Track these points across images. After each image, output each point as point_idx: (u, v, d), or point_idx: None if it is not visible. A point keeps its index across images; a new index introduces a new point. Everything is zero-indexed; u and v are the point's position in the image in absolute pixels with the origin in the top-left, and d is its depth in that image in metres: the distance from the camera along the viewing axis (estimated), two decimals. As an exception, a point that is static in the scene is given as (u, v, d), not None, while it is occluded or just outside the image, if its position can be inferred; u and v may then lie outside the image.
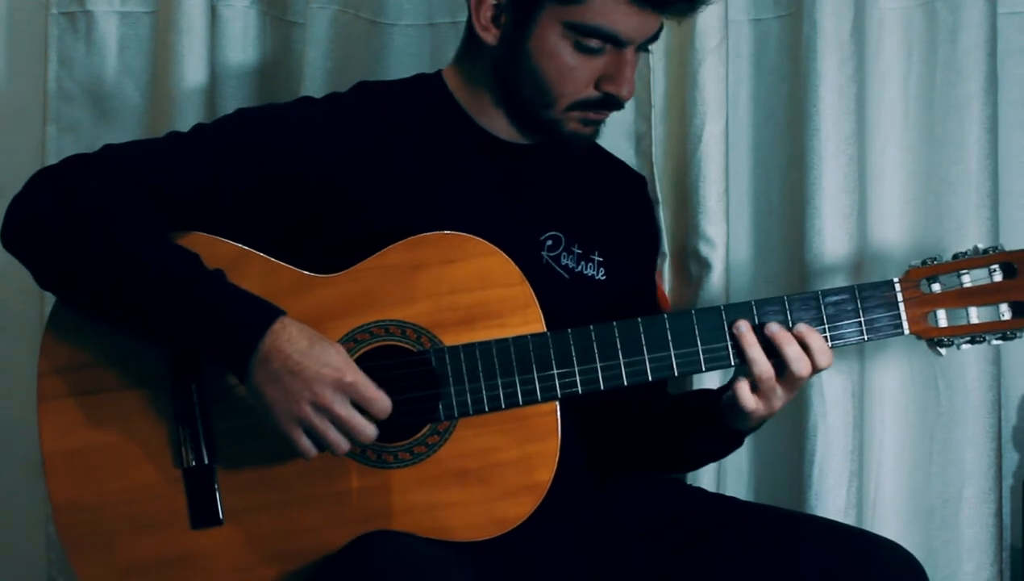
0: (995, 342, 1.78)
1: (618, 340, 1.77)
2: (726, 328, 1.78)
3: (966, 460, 2.30)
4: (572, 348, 1.76)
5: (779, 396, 1.78)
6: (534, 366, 1.76)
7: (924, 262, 1.79)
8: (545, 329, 1.77)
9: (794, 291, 2.21)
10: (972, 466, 2.29)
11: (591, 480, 1.92)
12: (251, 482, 1.77)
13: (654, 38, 1.87)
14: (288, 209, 1.86)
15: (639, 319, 1.78)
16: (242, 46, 2.44)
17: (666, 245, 2.33)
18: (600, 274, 1.96)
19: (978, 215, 2.27)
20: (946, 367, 2.28)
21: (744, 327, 1.77)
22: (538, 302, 1.78)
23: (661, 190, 2.34)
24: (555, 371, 1.76)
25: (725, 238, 2.28)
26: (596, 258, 1.96)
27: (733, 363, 1.78)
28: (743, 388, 1.77)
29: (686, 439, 1.94)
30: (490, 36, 1.88)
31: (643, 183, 2.14)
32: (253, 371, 1.68)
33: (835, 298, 1.78)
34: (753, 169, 2.38)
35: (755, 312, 1.78)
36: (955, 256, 1.79)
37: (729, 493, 2.29)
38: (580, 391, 1.77)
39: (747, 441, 1.94)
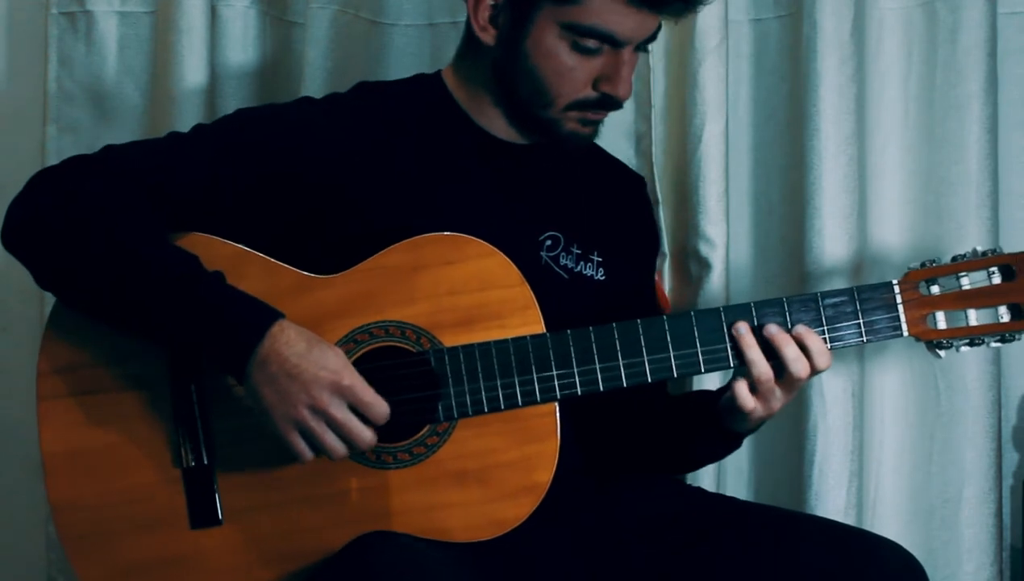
0: (994, 344, 1.78)
1: (617, 341, 1.77)
2: (725, 329, 1.77)
3: (966, 460, 2.30)
4: (571, 349, 1.76)
5: (778, 397, 1.78)
6: (533, 367, 1.76)
7: (923, 264, 1.79)
8: (544, 330, 1.77)
9: (794, 291, 2.23)
10: (972, 466, 2.29)
11: (590, 481, 1.92)
12: (250, 482, 1.77)
13: (652, 38, 1.87)
14: (288, 209, 1.86)
15: (638, 321, 1.78)
16: (242, 46, 2.43)
17: (666, 245, 2.33)
18: (599, 274, 1.96)
19: (978, 215, 2.26)
20: (946, 367, 2.28)
21: (743, 328, 1.77)
22: (537, 302, 1.78)
23: (661, 190, 2.34)
24: (554, 372, 1.76)
25: (725, 238, 2.28)
26: (595, 258, 1.96)
27: (732, 364, 1.78)
28: (742, 388, 1.77)
29: (685, 440, 1.94)
30: (488, 36, 1.88)
31: (642, 184, 2.14)
32: (251, 373, 1.69)
33: (834, 300, 1.78)
34: (753, 169, 2.38)
35: (754, 314, 1.78)
36: (954, 258, 1.79)
37: (729, 493, 2.28)
38: (579, 392, 1.76)
39: (747, 441, 1.94)
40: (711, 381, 2.15)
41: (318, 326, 1.74)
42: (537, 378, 1.76)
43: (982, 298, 1.78)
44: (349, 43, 2.37)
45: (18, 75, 2.58)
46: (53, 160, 2.35)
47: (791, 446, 2.31)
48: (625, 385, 1.77)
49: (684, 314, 1.78)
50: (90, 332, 1.79)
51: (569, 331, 1.77)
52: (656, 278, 2.19)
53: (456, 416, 1.76)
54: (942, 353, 1.79)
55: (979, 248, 1.79)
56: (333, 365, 1.69)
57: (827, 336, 1.77)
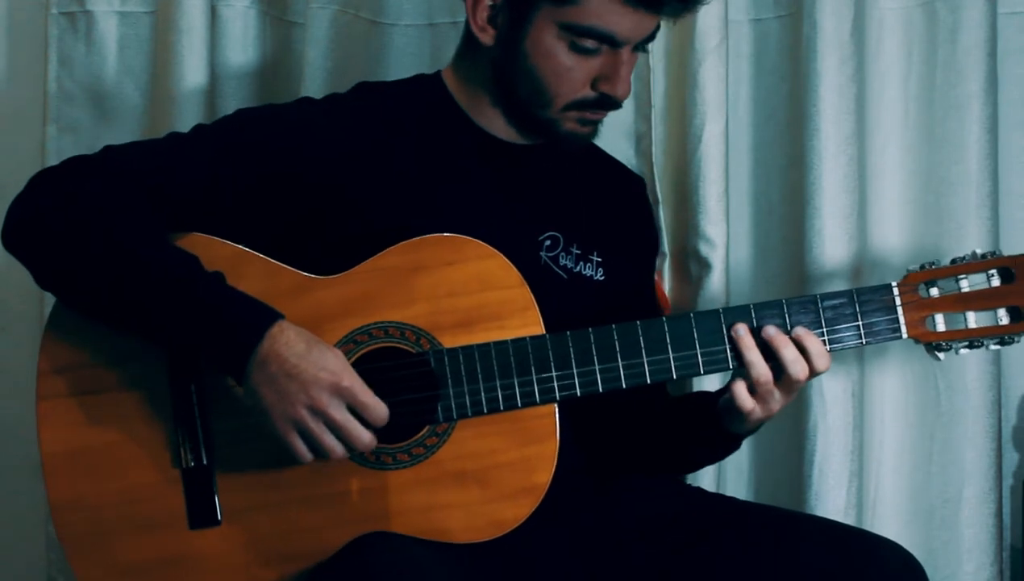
0: (993, 347, 1.78)
1: (617, 343, 1.77)
2: (724, 331, 1.77)
3: (966, 460, 2.30)
4: (571, 350, 1.76)
5: (777, 399, 1.78)
6: (533, 368, 1.76)
7: (922, 266, 1.80)
8: (544, 332, 1.77)
9: (794, 291, 2.23)
10: (972, 466, 2.29)
11: (590, 482, 1.92)
12: (249, 483, 1.77)
13: (650, 38, 1.87)
14: (288, 209, 1.86)
15: (638, 322, 1.78)
16: (242, 46, 2.43)
17: (666, 245, 2.33)
18: (599, 274, 1.96)
19: (978, 215, 2.26)
20: (946, 367, 2.28)
21: (742, 330, 1.77)
22: (537, 302, 1.78)
23: (661, 190, 2.34)
24: (554, 373, 1.76)
25: (725, 238, 2.28)
26: (595, 258, 1.96)
27: (731, 366, 1.78)
28: (740, 389, 1.77)
29: (684, 441, 1.94)
30: (487, 37, 1.88)
31: (642, 185, 2.14)
32: (251, 374, 1.69)
33: (833, 302, 1.78)
34: (753, 169, 2.38)
35: (753, 315, 1.78)
36: (953, 261, 1.79)
37: (729, 493, 2.29)
38: (579, 393, 1.76)
39: (747, 441, 1.94)
40: (711, 383, 2.15)
41: (317, 327, 1.74)
42: (536, 379, 1.76)
43: (981, 300, 1.78)
44: (349, 43, 2.37)
45: (18, 75, 2.58)
46: (53, 160, 2.36)
47: (791, 446, 2.31)
48: (624, 386, 1.77)
49: (683, 315, 1.78)
50: (90, 332, 1.79)
51: (568, 332, 1.77)
52: (656, 278, 2.19)
53: (455, 417, 1.76)
54: (941, 355, 1.80)
55: (978, 251, 1.79)
56: (332, 366, 1.69)
57: (826, 338, 1.77)
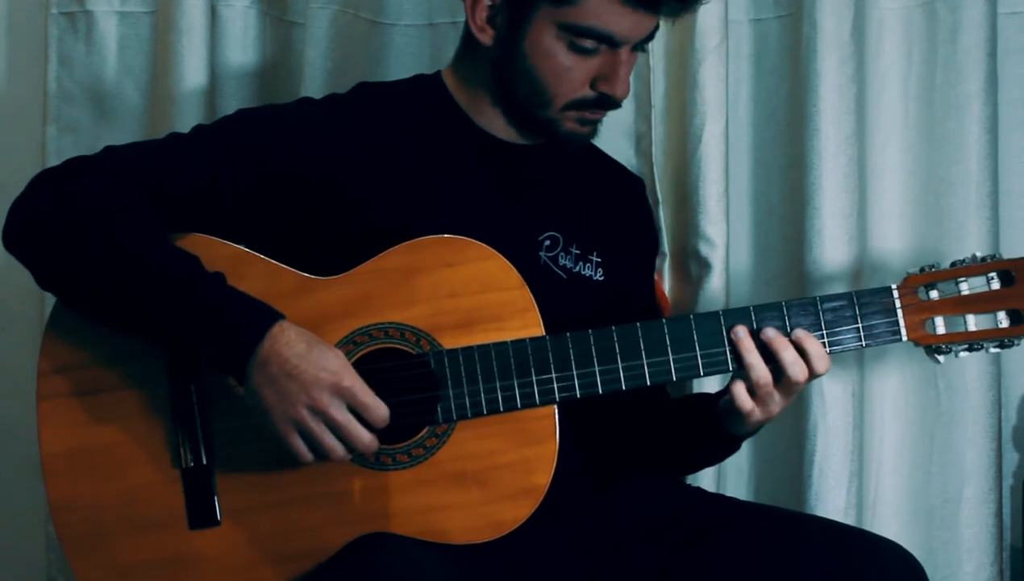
0: (993, 350, 1.78)
1: (616, 344, 1.77)
2: (724, 333, 1.77)
3: (966, 460, 2.30)
4: (570, 352, 1.76)
5: (776, 401, 1.78)
6: (532, 370, 1.76)
7: (922, 269, 1.79)
8: (544, 333, 1.77)
9: (794, 290, 2.23)
10: (972, 466, 2.30)
11: (589, 483, 1.92)
12: (249, 483, 1.77)
13: (649, 38, 1.87)
14: (288, 209, 1.86)
15: (638, 324, 1.78)
16: (242, 46, 2.43)
17: (666, 245, 2.34)
18: (598, 274, 1.96)
19: (978, 215, 2.26)
20: (946, 367, 2.26)
21: (742, 332, 1.77)
22: (536, 302, 1.78)
23: (661, 190, 2.34)
24: (553, 375, 1.76)
25: (725, 238, 2.28)
26: (594, 258, 1.96)
27: (731, 368, 1.78)
28: (740, 390, 1.77)
29: (684, 443, 1.94)
30: (486, 37, 1.88)
31: (642, 186, 2.15)
32: (251, 374, 1.69)
33: (833, 304, 1.78)
34: (753, 169, 2.38)
35: (753, 317, 1.78)
36: (953, 264, 1.79)
37: (729, 493, 2.29)
38: (578, 395, 1.76)
39: (747, 441, 1.93)
40: (711, 384, 2.15)
41: (318, 327, 1.74)
42: (536, 381, 1.76)
43: (981, 303, 1.78)
44: (349, 43, 2.37)
45: (18, 75, 2.58)
46: (53, 160, 2.36)
47: (791, 446, 2.31)
48: (624, 388, 1.77)
49: (683, 317, 1.78)
50: (90, 332, 1.79)
51: (568, 334, 1.77)
52: (656, 278, 2.19)
53: (455, 418, 1.76)
54: (941, 358, 1.80)
55: (978, 254, 1.79)
56: (333, 366, 1.69)
57: (826, 340, 1.77)
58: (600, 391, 1.77)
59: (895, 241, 2.33)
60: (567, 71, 1.84)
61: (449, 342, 1.77)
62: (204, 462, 1.77)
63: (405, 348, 1.77)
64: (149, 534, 1.78)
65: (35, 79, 2.48)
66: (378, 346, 1.78)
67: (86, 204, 1.77)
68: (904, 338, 1.78)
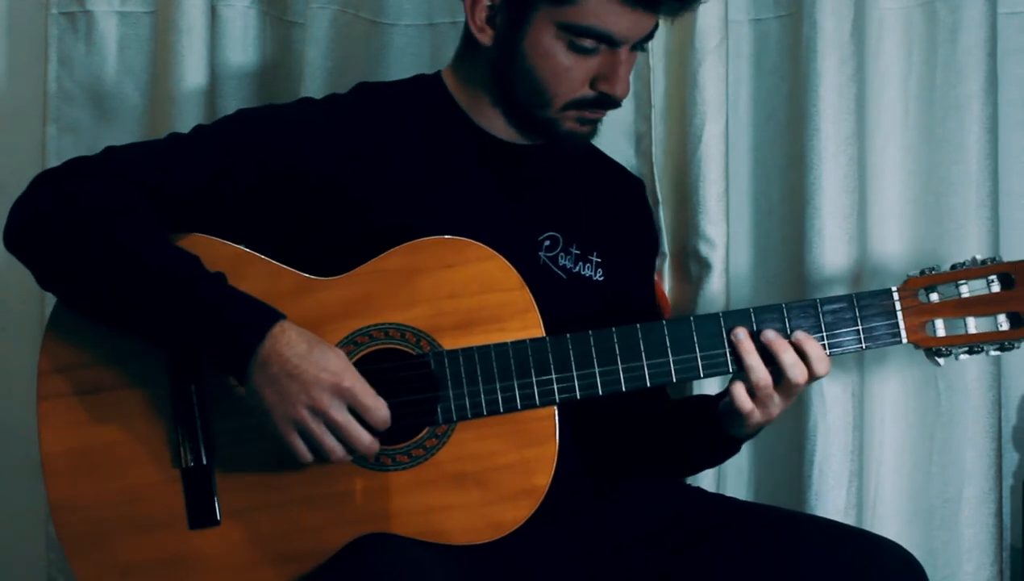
0: (993, 352, 1.78)
1: (616, 346, 1.77)
2: (724, 335, 1.77)
3: (966, 460, 2.30)
4: (571, 353, 1.76)
5: (776, 403, 1.78)
6: (533, 371, 1.76)
7: (922, 272, 1.79)
8: (544, 334, 1.77)
9: (794, 291, 2.23)
10: (972, 466, 2.30)
11: (589, 484, 1.92)
12: (249, 483, 1.77)
13: (649, 37, 1.87)
14: (288, 209, 1.86)
15: (638, 325, 1.78)
16: (242, 46, 2.43)
17: (666, 245, 2.34)
18: (598, 275, 1.96)
19: (978, 215, 2.27)
20: (946, 368, 2.24)
21: (742, 334, 1.77)
22: (536, 302, 1.78)
23: (661, 190, 2.34)
24: (553, 376, 1.76)
25: (725, 238, 2.28)
26: (594, 259, 1.96)
27: (731, 370, 1.78)
28: (740, 391, 1.77)
29: (683, 444, 1.94)
30: (486, 37, 1.88)
31: (642, 186, 2.15)
32: (252, 374, 1.69)
33: (833, 306, 1.78)
34: (753, 169, 2.38)
35: (753, 319, 1.78)
36: (953, 266, 1.79)
37: (729, 493, 2.29)
38: (578, 396, 1.76)
39: (747, 441, 1.94)
40: (711, 386, 2.15)
41: (318, 328, 1.74)
42: (536, 382, 1.76)
43: (981, 306, 1.78)
44: (349, 43, 2.37)
45: (18, 75, 2.57)
46: (53, 160, 2.36)
47: (791, 446, 2.31)
48: (624, 389, 1.77)
49: (683, 319, 1.78)
50: (90, 332, 1.79)
51: (568, 335, 1.77)
52: (656, 278, 2.19)
53: (455, 419, 1.76)
54: (941, 361, 1.80)
55: (978, 256, 1.79)
56: (334, 367, 1.69)
57: (826, 342, 1.77)
58: (600, 392, 1.77)
59: (895, 241, 2.33)
60: (567, 71, 1.84)
61: (449, 343, 1.77)
62: (204, 462, 1.77)
63: (405, 349, 1.77)
64: (149, 534, 1.78)
65: (35, 79, 2.48)
66: (378, 347, 1.77)
67: (86, 204, 1.77)
68: (904, 340, 1.78)
